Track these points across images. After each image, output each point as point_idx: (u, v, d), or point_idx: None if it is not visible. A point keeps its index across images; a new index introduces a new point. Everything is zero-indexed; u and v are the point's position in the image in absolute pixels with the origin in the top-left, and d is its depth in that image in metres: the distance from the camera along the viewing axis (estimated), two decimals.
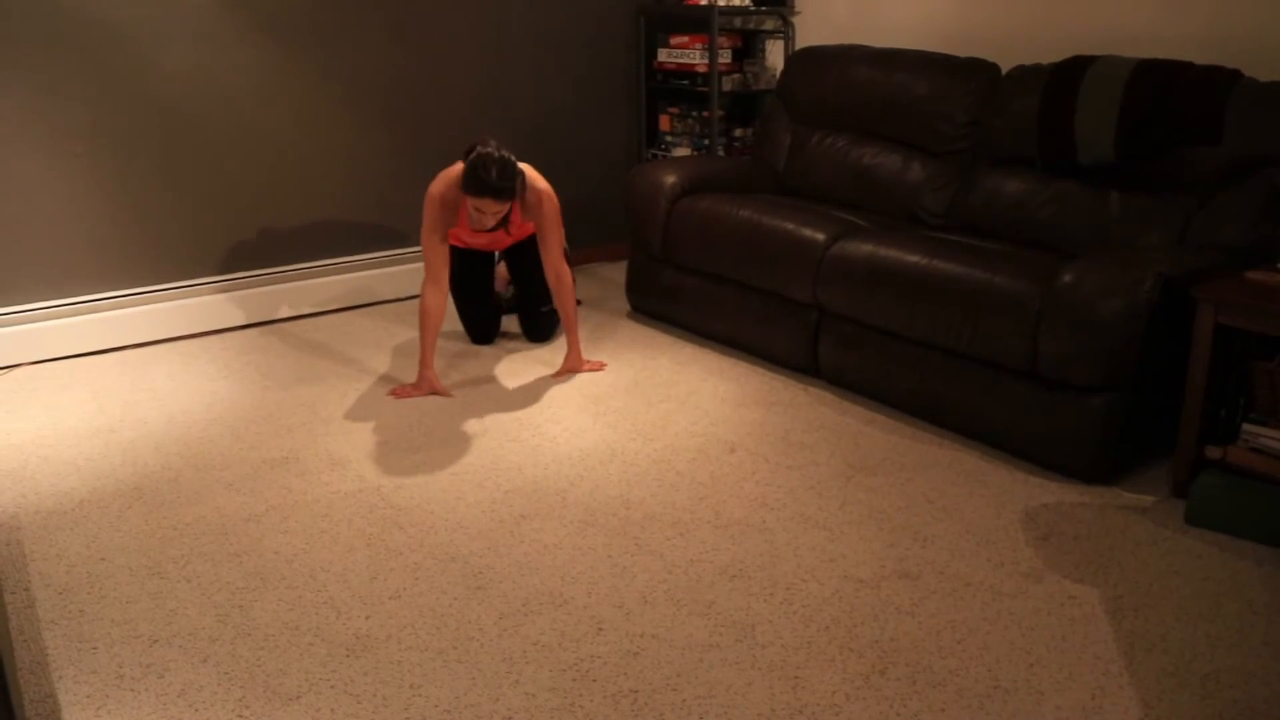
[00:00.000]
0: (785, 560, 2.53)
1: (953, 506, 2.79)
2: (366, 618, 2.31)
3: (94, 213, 3.92)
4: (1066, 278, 2.84)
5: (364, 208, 4.52)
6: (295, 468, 3.01)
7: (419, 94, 4.54)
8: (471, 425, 3.30)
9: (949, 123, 3.83)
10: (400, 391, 3.53)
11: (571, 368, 3.73)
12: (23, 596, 2.38)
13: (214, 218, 4.14)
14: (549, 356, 3.92)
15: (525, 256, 3.98)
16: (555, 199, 3.56)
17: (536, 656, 2.18)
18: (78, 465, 3.03)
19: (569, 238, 5.13)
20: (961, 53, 4.09)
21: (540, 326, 4.07)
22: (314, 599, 2.38)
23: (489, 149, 3.32)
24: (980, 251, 3.23)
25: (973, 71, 3.83)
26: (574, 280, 3.67)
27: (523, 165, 3.52)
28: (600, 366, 3.76)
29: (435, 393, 3.53)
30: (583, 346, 3.97)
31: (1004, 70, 3.82)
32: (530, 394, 3.56)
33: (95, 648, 2.21)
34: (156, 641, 2.23)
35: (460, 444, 3.17)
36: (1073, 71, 3.39)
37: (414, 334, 4.18)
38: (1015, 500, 2.83)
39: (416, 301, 4.62)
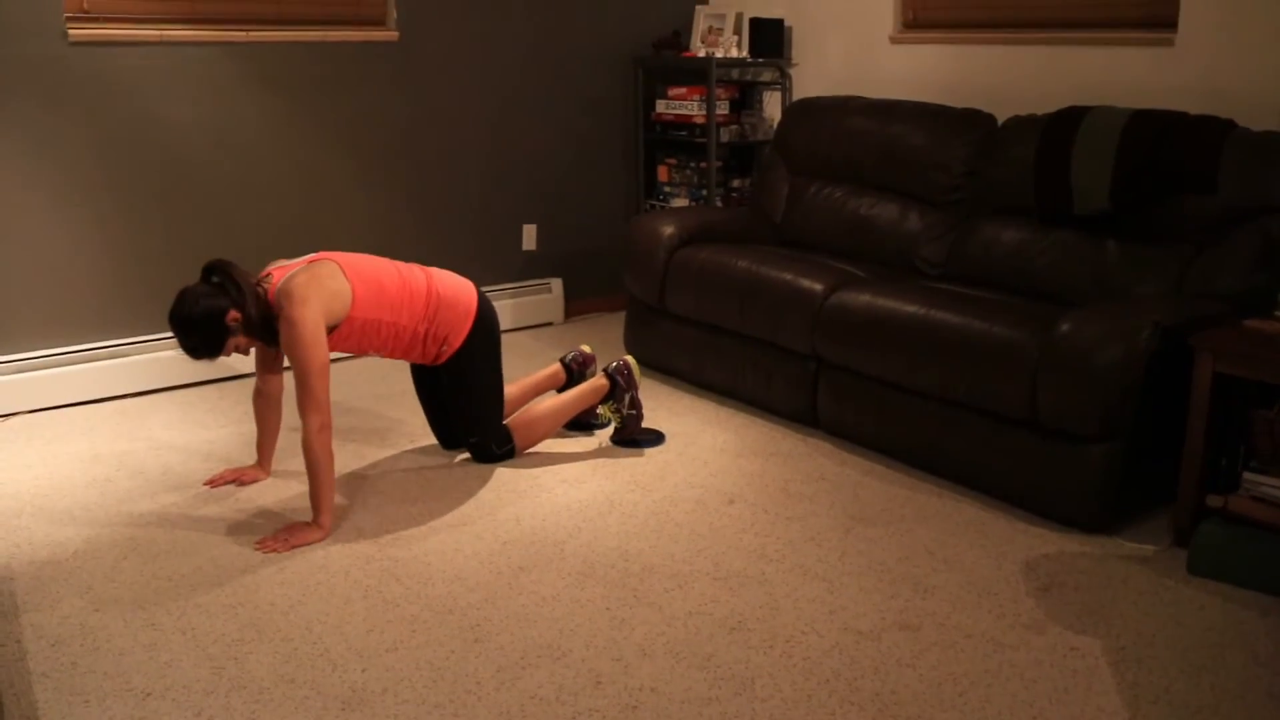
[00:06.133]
0: (785, 612, 2.52)
1: (953, 557, 2.78)
2: (362, 670, 2.30)
3: (93, 262, 3.95)
4: (1065, 327, 2.86)
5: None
6: (292, 518, 3.00)
7: (421, 147, 4.58)
8: (469, 476, 3.30)
9: (946, 173, 3.86)
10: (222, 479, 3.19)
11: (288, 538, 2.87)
12: (14, 648, 2.37)
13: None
14: None
15: (436, 376, 3.32)
16: (300, 329, 2.79)
17: (534, 710, 2.17)
18: (73, 515, 3.03)
19: (570, 288, 5.16)
20: (958, 104, 4.14)
21: (475, 453, 3.38)
22: (309, 651, 2.37)
23: (193, 289, 2.84)
24: (978, 301, 3.24)
25: (969, 122, 3.87)
26: (324, 440, 2.82)
27: (291, 286, 2.86)
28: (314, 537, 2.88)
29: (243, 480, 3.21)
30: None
31: (1000, 121, 3.86)
32: None
33: (87, 701, 2.20)
34: (150, 694, 2.22)
35: (458, 495, 3.16)
36: (1068, 122, 3.43)
37: (409, 387, 4.19)
38: (1016, 551, 2.82)
39: None
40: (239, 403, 3.95)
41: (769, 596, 2.59)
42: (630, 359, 3.56)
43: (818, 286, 3.55)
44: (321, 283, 2.90)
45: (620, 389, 3.51)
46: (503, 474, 3.31)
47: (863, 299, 3.39)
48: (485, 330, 3.24)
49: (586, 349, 3.74)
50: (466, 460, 3.42)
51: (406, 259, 4.44)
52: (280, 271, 2.98)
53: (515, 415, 3.43)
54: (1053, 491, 2.93)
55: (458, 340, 3.17)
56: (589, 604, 2.56)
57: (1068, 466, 2.89)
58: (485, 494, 3.16)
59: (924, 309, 3.22)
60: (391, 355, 3.17)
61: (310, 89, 4.27)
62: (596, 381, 3.52)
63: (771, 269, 3.71)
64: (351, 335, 3.02)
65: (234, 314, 2.85)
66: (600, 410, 3.57)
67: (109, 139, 3.89)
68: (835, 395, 3.53)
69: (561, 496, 3.15)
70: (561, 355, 3.76)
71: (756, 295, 3.69)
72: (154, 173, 4.01)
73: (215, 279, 2.89)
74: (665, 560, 2.77)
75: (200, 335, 2.85)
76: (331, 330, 2.94)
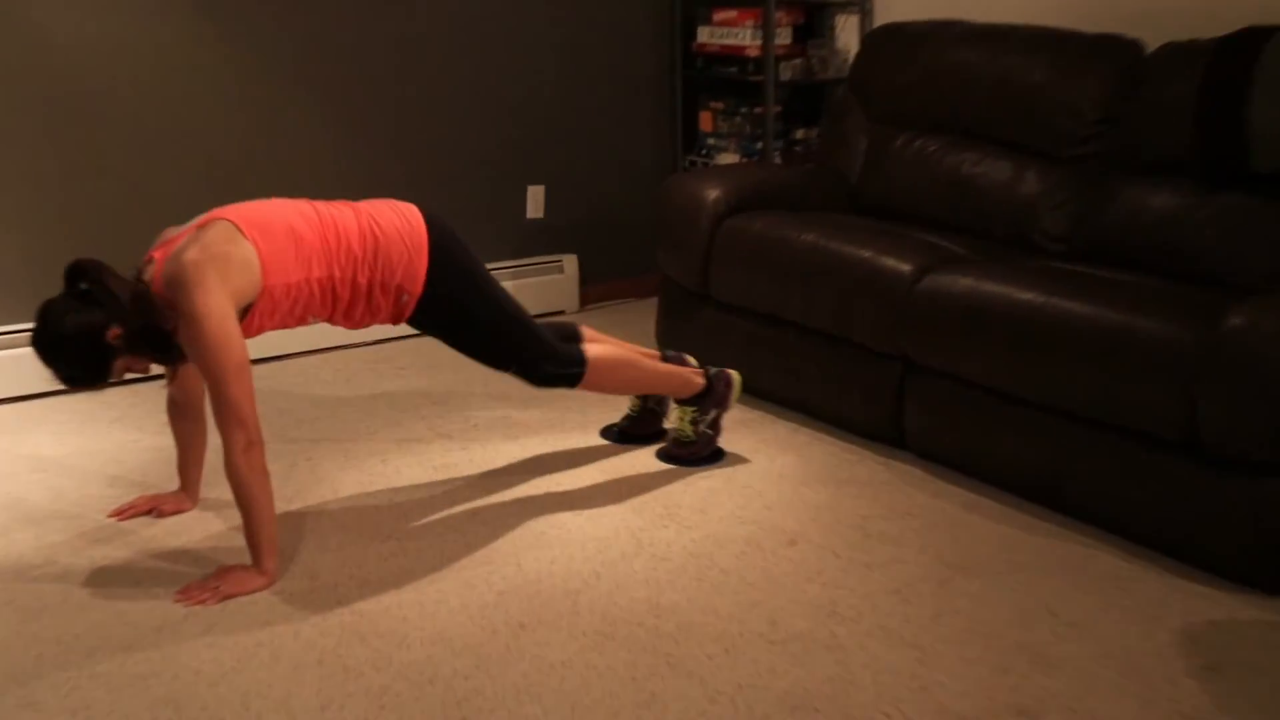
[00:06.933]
0: (862, 688, 2.49)
1: (1084, 621, 2.75)
2: None
3: None
4: (1235, 320, 2.82)
5: None
6: (225, 559, 2.99)
7: (401, 83, 4.62)
8: (458, 506, 3.30)
9: (1075, 119, 3.84)
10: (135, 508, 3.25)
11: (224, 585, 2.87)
12: None
13: (124, 233, 4.12)
14: (560, 419, 3.88)
15: (439, 327, 3.27)
16: (202, 323, 2.74)
17: None
18: None
19: (587, 267, 5.15)
20: (1092, 27, 4.11)
21: (529, 381, 3.39)
22: None
23: (56, 304, 2.80)
24: (1117, 286, 3.23)
25: (1107, 52, 3.85)
26: (254, 461, 2.82)
27: (179, 269, 2.78)
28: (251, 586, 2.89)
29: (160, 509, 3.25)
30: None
31: (1149, 49, 3.85)
32: (534, 465, 3.56)
33: None
34: None
35: (441, 530, 3.15)
36: (1244, 48, 3.40)
37: (394, 385, 4.17)
38: (1169, 615, 2.78)
39: (396, 345, 4.68)
40: (157, 410, 3.93)
41: (841, 667, 2.56)
42: (737, 376, 3.66)
43: (905, 267, 3.56)
44: (217, 253, 2.79)
45: (713, 398, 3.60)
46: (501, 503, 3.31)
47: (963, 283, 3.39)
48: (449, 255, 3.14)
49: (692, 360, 3.78)
50: (452, 487, 3.42)
51: None
52: (164, 251, 2.91)
53: (603, 345, 3.46)
54: (1220, 538, 2.90)
55: (416, 284, 3.09)
56: (609, 673, 2.54)
57: (1239, 504, 2.85)
58: (477, 529, 3.16)
59: (1043, 296, 3.20)
60: (335, 321, 3.11)
61: (256, 3, 4.26)
62: (693, 376, 3.58)
63: (845, 244, 3.72)
64: (275, 311, 2.95)
65: (114, 330, 2.79)
66: (674, 416, 3.65)
67: None
68: (927, 407, 3.53)
69: (575, 533, 3.14)
70: (662, 349, 3.89)
71: (826, 278, 3.70)
72: (38, 109, 3.98)
73: (83, 285, 2.83)
74: (707, 617, 2.75)
75: (76, 362, 2.80)
76: (246, 311, 2.87)
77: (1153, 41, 3.89)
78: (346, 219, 3.04)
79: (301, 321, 3.07)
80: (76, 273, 2.84)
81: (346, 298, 3.04)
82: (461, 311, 3.19)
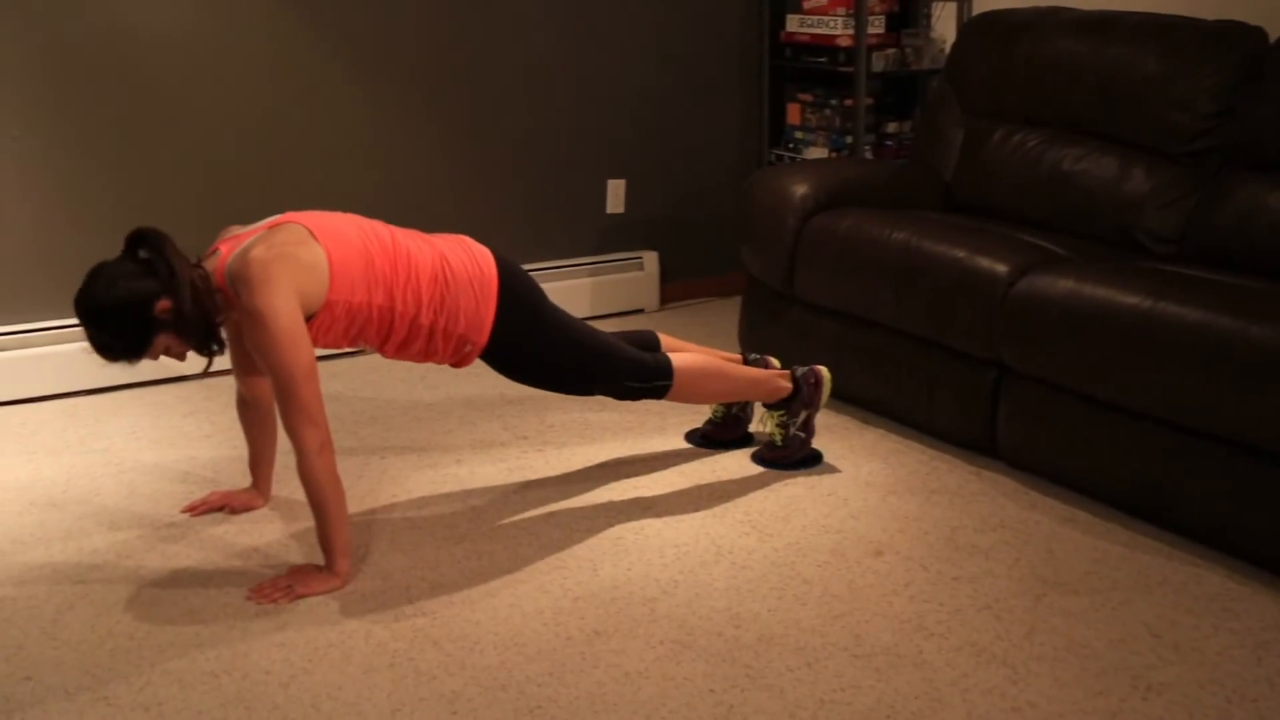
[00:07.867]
0: (951, 707, 2.48)
1: (1188, 644, 2.71)
2: None
3: (35, 215, 4.01)
4: None
5: (397, 217, 4.56)
6: (296, 558, 3.03)
7: (475, 74, 4.62)
8: (534, 509, 3.32)
9: (1188, 113, 3.79)
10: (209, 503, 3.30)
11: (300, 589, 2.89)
12: None
13: (197, 225, 4.14)
14: (639, 422, 3.91)
15: (508, 366, 3.27)
16: (269, 322, 2.74)
17: None
18: (2, 550, 3.07)
19: (668, 264, 5.14)
20: (1210, 14, 4.03)
21: (615, 397, 3.44)
22: None
23: (111, 267, 2.81)
24: (1229, 291, 3.18)
25: (1225, 40, 3.79)
26: (327, 463, 2.85)
27: (246, 265, 2.78)
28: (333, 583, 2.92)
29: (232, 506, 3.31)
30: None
31: (1275, 37, 3.77)
32: (612, 469, 3.57)
33: None
34: None
35: (516, 533, 3.17)
36: None
37: (469, 384, 4.22)
38: None
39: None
40: (230, 405, 3.97)
41: (928, 684, 2.55)
42: (826, 373, 3.65)
43: (1001, 268, 3.53)
44: (286, 253, 2.80)
45: (801, 400, 3.60)
46: (576, 509, 3.32)
47: (1063, 285, 3.36)
48: (518, 302, 3.14)
49: (775, 362, 3.77)
50: (528, 489, 3.44)
51: (452, 222, 4.48)
52: (230, 244, 2.92)
53: (691, 354, 3.49)
54: None
55: (481, 334, 3.09)
56: (686, 684, 2.54)
57: None
58: (553, 533, 3.18)
59: (1150, 300, 3.16)
60: (385, 352, 3.10)
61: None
62: (779, 380, 3.58)
63: (938, 243, 3.70)
64: (332, 328, 2.94)
65: (164, 303, 2.78)
66: (763, 419, 3.67)
67: (57, 54, 3.93)
68: (1022, 414, 3.50)
69: (654, 539, 3.15)
70: (744, 350, 3.92)
71: (917, 278, 3.68)
72: (116, 99, 4.05)
73: (143, 254, 2.82)
74: (789, 629, 2.75)
75: (118, 329, 2.78)
76: (309, 320, 2.85)
77: (1276, 28, 3.82)
78: (421, 254, 3.01)
79: (354, 344, 3.06)
80: (137, 240, 2.84)
81: (403, 333, 3.01)
82: (531, 357, 3.21)
